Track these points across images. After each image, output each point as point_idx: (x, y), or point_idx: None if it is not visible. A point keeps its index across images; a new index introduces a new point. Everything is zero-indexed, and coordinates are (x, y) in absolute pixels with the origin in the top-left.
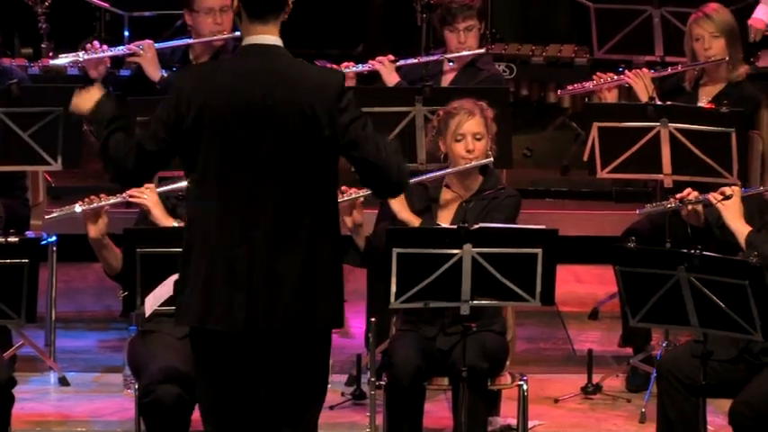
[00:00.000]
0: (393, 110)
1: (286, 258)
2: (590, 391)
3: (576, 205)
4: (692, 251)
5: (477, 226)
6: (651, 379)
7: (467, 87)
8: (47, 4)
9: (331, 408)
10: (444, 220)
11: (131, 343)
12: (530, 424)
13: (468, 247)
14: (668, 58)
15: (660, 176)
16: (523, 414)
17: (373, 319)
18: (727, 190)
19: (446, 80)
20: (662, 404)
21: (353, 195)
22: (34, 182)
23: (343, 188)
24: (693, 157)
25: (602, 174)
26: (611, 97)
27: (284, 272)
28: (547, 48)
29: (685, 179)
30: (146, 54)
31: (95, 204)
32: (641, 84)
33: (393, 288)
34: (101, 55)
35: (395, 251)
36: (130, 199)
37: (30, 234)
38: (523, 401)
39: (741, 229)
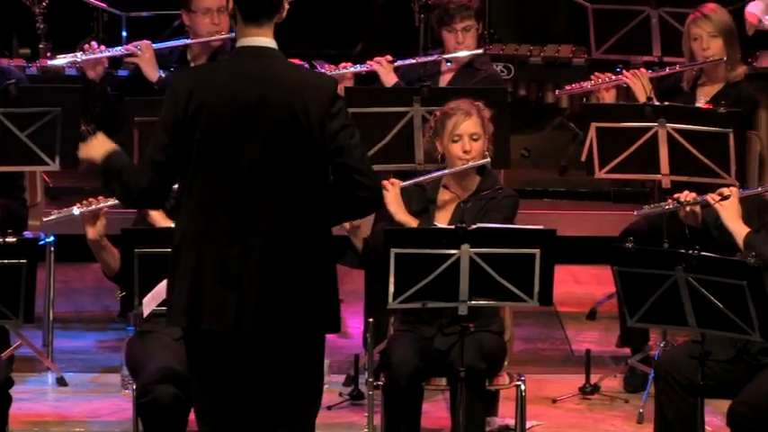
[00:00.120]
0: (391, 110)
1: (278, 259)
2: (588, 391)
3: (573, 205)
4: (690, 251)
5: (474, 226)
6: (649, 379)
7: (465, 88)
8: (44, 4)
9: (329, 408)
10: (442, 220)
11: (129, 343)
12: (528, 424)
13: (465, 247)
14: (666, 59)
15: (658, 177)
16: (521, 414)
17: (371, 320)
18: (726, 190)
19: (444, 80)
20: (660, 404)
21: None
22: (32, 182)
23: None
24: (691, 157)
25: (600, 174)
26: (609, 97)
27: (276, 272)
28: (544, 48)
29: (683, 179)
30: (143, 54)
31: (94, 206)
32: (639, 84)
33: (391, 288)
34: (99, 55)
35: (393, 251)
36: None
37: (27, 234)
38: (521, 402)
39: (739, 229)
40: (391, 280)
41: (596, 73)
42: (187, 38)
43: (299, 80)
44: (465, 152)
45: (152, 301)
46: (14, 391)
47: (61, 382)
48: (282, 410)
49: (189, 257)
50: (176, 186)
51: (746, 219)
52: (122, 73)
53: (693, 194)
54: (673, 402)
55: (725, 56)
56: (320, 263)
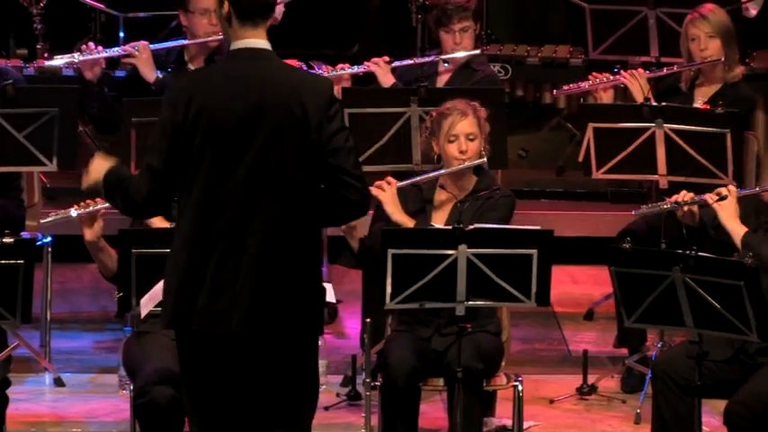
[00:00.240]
0: (388, 111)
1: (274, 260)
2: (585, 391)
3: (571, 206)
4: (688, 252)
5: (472, 227)
6: (646, 380)
7: (462, 88)
8: (42, 4)
9: (326, 408)
10: (439, 220)
11: (126, 344)
12: (525, 425)
13: (463, 247)
14: (663, 59)
15: (655, 177)
16: (519, 415)
17: (368, 320)
18: (723, 190)
19: (441, 81)
20: (657, 405)
21: None
22: (29, 183)
23: None
24: (688, 157)
25: (598, 174)
26: (606, 97)
27: (271, 273)
28: (542, 48)
29: (680, 180)
30: (141, 55)
31: (91, 208)
32: (637, 84)
33: (388, 289)
34: (96, 56)
35: (390, 252)
36: None
37: (25, 235)
38: (519, 402)
39: (737, 229)
40: (388, 280)
41: (594, 73)
42: (184, 38)
43: (297, 82)
44: (461, 152)
45: (149, 301)
46: (12, 392)
47: (58, 382)
48: (278, 411)
49: (186, 258)
50: None
51: (744, 219)
52: (120, 74)
53: (691, 194)
54: (670, 403)
55: (723, 56)
56: (312, 264)
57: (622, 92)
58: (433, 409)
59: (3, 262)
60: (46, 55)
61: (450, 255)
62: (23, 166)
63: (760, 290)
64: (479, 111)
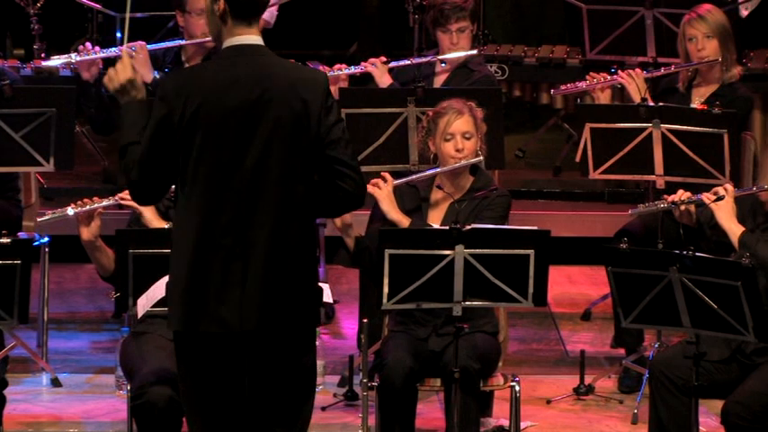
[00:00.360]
0: (385, 111)
1: (279, 255)
2: (582, 391)
3: (568, 206)
4: (685, 252)
5: (469, 227)
6: (643, 380)
7: (459, 88)
8: (39, 5)
9: (323, 409)
10: (435, 219)
11: (124, 344)
12: (522, 425)
13: (460, 248)
14: (660, 60)
15: (652, 177)
16: (516, 415)
17: (365, 320)
18: (721, 190)
19: (438, 81)
20: (654, 405)
21: None
22: (26, 183)
23: None
24: (686, 158)
25: (595, 175)
26: (604, 97)
27: (278, 269)
28: (539, 49)
29: (677, 180)
30: (138, 55)
31: (88, 207)
32: (634, 84)
33: (385, 289)
34: (93, 56)
35: (387, 252)
36: (122, 202)
37: (22, 235)
38: (516, 402)
39: (734, 229)
40: (385, 281)
41: (591, 73)
42: (182, 39)
43: (295, 76)
44: (457, 151)
45: (147, 301)
46: (9, 392)
47: (56, 382)
48: (278, 409)
49: (193, 258)
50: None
51: (741, 219)
52: None
53: (688, 194)
54: (667, 403)
55: (720, 57)
56: (313, 257)
57: (619, 92)
58: (430, 409)
59: (0, 262)
60: (43, 55)
61: (448, 255)
62: (20, 166)
63: (757, 290)
64: (475, 110)
